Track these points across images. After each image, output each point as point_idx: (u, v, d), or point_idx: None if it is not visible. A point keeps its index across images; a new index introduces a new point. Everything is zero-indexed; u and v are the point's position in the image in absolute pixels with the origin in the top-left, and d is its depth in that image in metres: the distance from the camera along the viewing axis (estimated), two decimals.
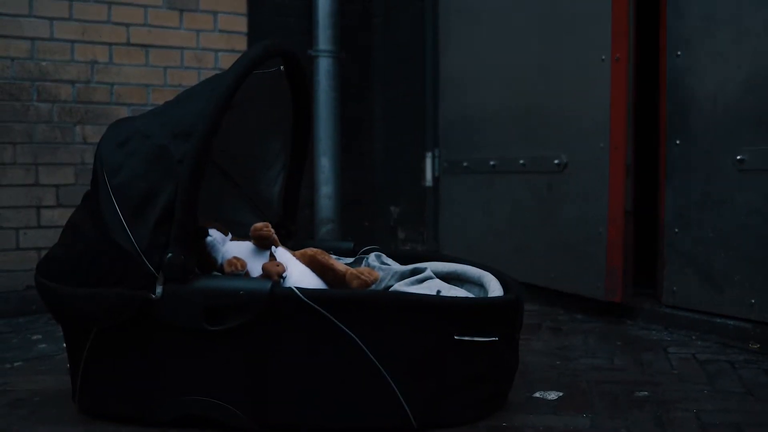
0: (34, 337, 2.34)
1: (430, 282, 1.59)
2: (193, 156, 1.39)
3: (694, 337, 2.04)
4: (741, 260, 1.97)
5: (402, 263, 1.70)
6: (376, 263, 1.65)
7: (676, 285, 2.14)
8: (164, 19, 2.93)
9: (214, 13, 3.01)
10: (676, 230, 2.14)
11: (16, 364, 2.02)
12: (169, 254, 1.37)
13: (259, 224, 1.49)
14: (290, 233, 1.81)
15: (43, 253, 2.70)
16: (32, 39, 2.70)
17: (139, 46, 2.89)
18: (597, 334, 2.14)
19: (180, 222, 1.38)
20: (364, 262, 1.70)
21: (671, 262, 2.15)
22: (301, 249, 1.79)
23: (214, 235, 1.48)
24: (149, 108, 2.88)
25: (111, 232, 1.41)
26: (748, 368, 1.75)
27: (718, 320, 2.01)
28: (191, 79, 2.97)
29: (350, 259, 1.74)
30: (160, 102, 2.89)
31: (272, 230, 1.49)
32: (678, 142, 2.13)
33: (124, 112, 2.86)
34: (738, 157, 1.96)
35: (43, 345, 2.24)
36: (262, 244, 1.48)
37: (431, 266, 1.64)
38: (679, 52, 2.12)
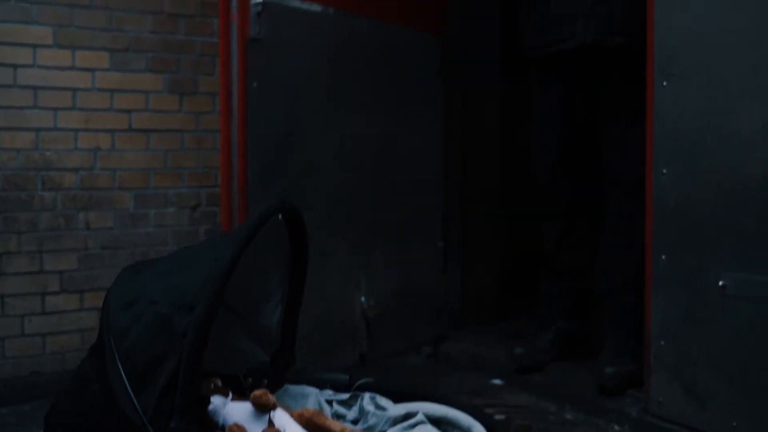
0: None
1: (422, 427, 1.66)
2: (195, 330, 1.46)
3: None
4: (723, 380, 2.04)
5: (396, 400, 1.77)
6: (370, 407, 1.73)
7: (662, 396, 2.21)
8: (165, 103, 2.99)
9: (214, 95, 3.07)
10: (662, 342, 2.21)
11: None
12: (173, 423, 1.44)
13: (258, 392, 1.57)
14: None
15: (48, 338, 2.81)
16: (37, 130, 2.77)
17: (141, 131, 2.95)
18: None
19: (183, 392, 1.45)
20: (359, 402, 1.77)
21: (657, 373, 2.22)
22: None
23: (215, 401, 1.56)
24: (150, 192, 2.96)
25: (117, 398, 1.49)
26: None
27: None
28: (191, 161, 3.03)
29: (346, 395, 1.81)
30: (162, 186, 2.97)
31: (271, 397, 1.57)
32: (663, 257, 2.19)
33: (126, 197, 2.93)
34: (720, 283, 2.03)
35: None
36: (261, 409, 1.55)
37: (423, 408, 1.71)
38: (664, 170, 2.19)
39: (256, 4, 2.28)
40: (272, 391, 1.80)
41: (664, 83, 2.18)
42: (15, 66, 2.72)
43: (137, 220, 2.95)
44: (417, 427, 1.66)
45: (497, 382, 2.71)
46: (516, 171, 3.23)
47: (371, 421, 1.68)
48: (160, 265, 1.66)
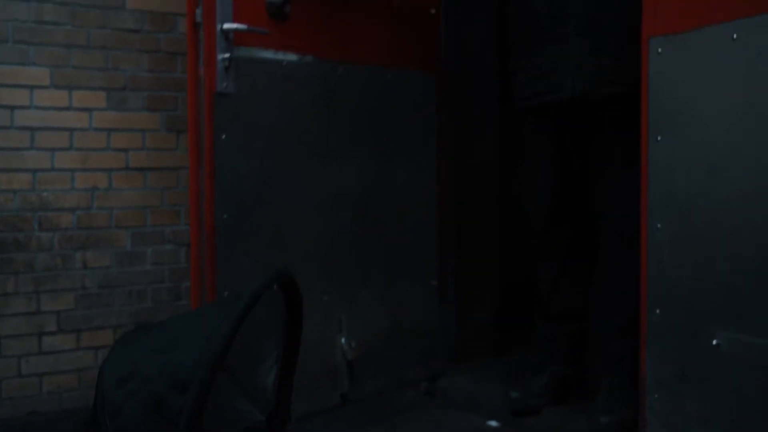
0: None
1: None
2: (189, 410, 1.47)
3: None
4: None
5: None
6: None
7: None
8: (162, 141, 3.00)
9: None
10: (656, 395, 2.21)
11: None
12: None
13: None
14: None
15: (45, 378, 2.81)
16: (33, 171, 2.78)
17: (138, 169, 2.96)
18: None
19: None
20: None
21: (651, 425, 2.23)
22: None
23: None
24: (148, 230, 2.97)
25: None
26: None
27: None
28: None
29: None
30: (159, 224, 2.98)
31: None
32: (657, 311, 2.20)
33: (123, 236, 2.94)
34: (714, 342, 2.04)
35: None
36: None
37: None
38: (659, 225, 2.20)
39: (224, 59, 2.28)
40: None
41: (659, 138, 2.18)
42: (12, 107, 2.73)
43: (134, 258, 2.96)
44: None
45: (493, 423, 2.72)
46: (513, 205, 3.24)
47: None
48: (153, 338, 1.67)
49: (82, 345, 2.86)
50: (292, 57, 2.49)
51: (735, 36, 1.96)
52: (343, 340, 2.71)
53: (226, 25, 2.28)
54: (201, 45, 2.28)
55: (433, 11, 2.97)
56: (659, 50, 2.17)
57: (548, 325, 2.75)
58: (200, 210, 2.36)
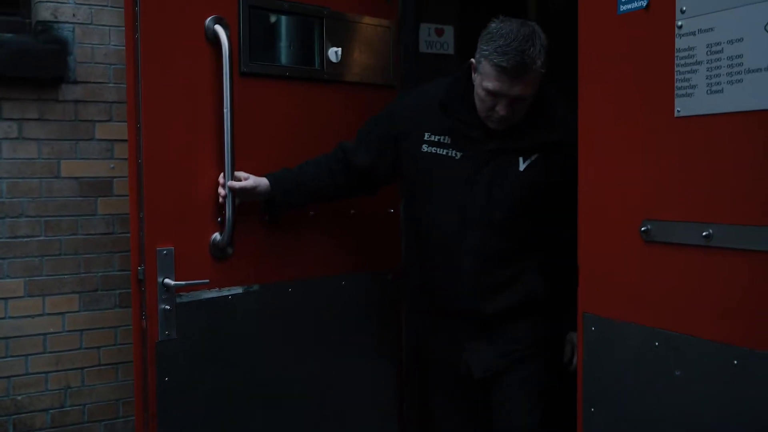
0: None
1: None
2: None
3: None
4: None
5: None
6: None
7: None
8: None
9: None
10: None
11: None
12: None
13: None
14: None
15: None
16: (8, 377, 2.93)
17: (110, 365, 3.09)
18: None
19: None
20: None
21: None
22: None
23: None
24: (120, 422, 3.10)
25: None
26: None
27: None
28: None
29: None
30: (131, 414, 3.09)
31: None
32: None
33: (96, 429, 3.07)
34: None
35: None
36: None
37: None
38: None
39: (165, 310, 2.39)
40: None
41: (592, 409, 2.21)
42: None
43: None
44: None
45: None
46: None
47: None
48: None
49: None
50: (237, 290, 2.59)
51: (657, 344, 1.98)
52: None
53: (167, 281, 2.40)
54: (143, 299, 2.40)
55: (392, 210, 3.04)
56: (592, 328, 2.19)
57: None
58: None
